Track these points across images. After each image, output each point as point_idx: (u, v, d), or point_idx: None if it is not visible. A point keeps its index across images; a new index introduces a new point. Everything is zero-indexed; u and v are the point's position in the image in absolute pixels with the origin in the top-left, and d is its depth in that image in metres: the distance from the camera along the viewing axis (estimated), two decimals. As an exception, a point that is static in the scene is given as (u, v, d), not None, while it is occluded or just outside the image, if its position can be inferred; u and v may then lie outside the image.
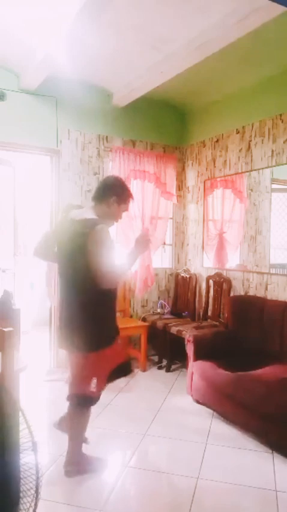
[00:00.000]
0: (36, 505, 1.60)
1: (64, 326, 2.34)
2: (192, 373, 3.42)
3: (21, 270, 5.61)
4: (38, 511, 1.65)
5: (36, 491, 1.59)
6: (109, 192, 2.36)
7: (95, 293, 2.20)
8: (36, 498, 1.60)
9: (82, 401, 2.33)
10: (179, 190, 4.95)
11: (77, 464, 2.41)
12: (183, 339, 3.73)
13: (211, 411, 3.25)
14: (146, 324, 4.36)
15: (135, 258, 2.35)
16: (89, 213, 2.32)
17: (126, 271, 2.33)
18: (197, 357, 3.41)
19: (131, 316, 4.62)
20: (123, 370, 2.42)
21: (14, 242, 5.14)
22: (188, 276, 4.71)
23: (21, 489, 1.67)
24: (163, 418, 3.21)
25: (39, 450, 1.58)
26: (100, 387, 2.34)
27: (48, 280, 4.16)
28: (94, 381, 2.28)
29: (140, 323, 4.38)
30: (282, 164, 3.70)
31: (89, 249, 2.13)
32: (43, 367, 4.19)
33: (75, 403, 2.35)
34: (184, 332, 3.92)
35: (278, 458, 2.60)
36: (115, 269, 2.19)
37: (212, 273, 4.43)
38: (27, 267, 5.85)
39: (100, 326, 2.27)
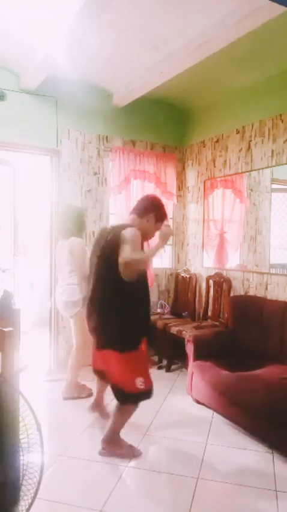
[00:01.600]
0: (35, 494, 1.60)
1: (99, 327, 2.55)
2: (192, 373, 3.42)
3: (21, 270, 5.61)
4: (38, 511, 1.66)
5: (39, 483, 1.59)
6: (150, 209, 2.62)
7: (124, 293, 2.42)
8: (37, 489, 1.60)
9: (128, 398, 2.52)
10: (179, 190, 4.95)
11: (114, 446, 2.60)
12: (183, 339, 3.73)
13: (211, 411, 3.25)
14: (146, 324, 4.35)
15: (158, 249, 2.53)
16: (127, 223, 2.59)
17: (147, 259, 2.51)
18: (197, 357, 3.41)
19: (131, 316, 4.61)
20: (146, 394, 2.56)
21: (14, 242, 5.14)
22: (188, 276, 4.71)
23: (21, 488, 1.67)
24: (162, 418, 3.21)
25: (36, 451, 1.58)
26: (148, 382, 2.53)
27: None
28: (140, 378, 2.48)
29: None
30: (282, 164, 3.70)
31: (119, 245, 2.36)
32: (43, 367, 4.19)
33: (122, 400, 2.55)
34: (184, 332, 3.92)
35: (278, 458, 2.61)
36: (137, 256, 2.35)
37: (212, 273, 4.43)
38: (27, 267, 5.86)
39: (129, 327, 2.46)
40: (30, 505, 1.63)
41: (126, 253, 2.31)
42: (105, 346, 2.54)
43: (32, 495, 1.62)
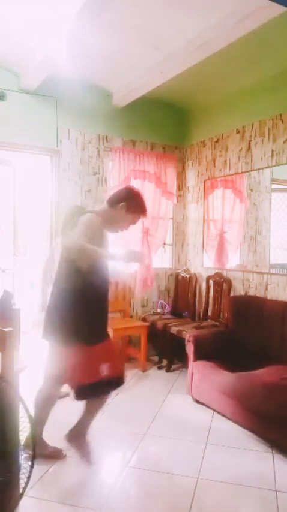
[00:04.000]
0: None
1: (54, 319, 2.40)
2: (192, 373, 3.42)
3: (21, 270, 5.61)
4: (38, 511, 1.66)
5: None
6: (121, 198, 2.44)
7: (83, 286, 2.27)
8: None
9: (95, 389, 2.34)
10: (179, 190, 4.95)
11: (80, 442, 2.47)
12: (183, 339, 3.73)
13: (211, 411, 3.25)
14: (146, 324, 4.36)
15: (114, 257, 2.31)
16: (92, 208, 2.47)
17: (96, 254, 2.20)
18: (197, 357, 3.41)
19: (131, 316, 4.61)
20: (116, 383, 2.44)
21: (13, 242, 5.13)
22: (188, 276, 4.71)
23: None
24: (163, 418, 3.21)
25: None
26: (115, 370, 2.38)
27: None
28: (105, 365, 2.33)
29: (140, 323, 4.38)
30: (282, 164, 3.70)
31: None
32: (43, 367, 4.18)
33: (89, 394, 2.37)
34: (184, 332, 3.92)
35: (278, 458, 2.60)
36: (85, 245, 2.15)
37: (212, 273, 4.43)
38: (27, 267, 5.85)
39: (90, 321, 2.32)
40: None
41: (73, 238, 2.19)
42: (68, 342, 2.33)
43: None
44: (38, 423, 2.48)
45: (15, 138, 3.99)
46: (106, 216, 2.38)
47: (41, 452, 2.42)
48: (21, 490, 1.64)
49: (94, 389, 2.33)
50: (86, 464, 2.45)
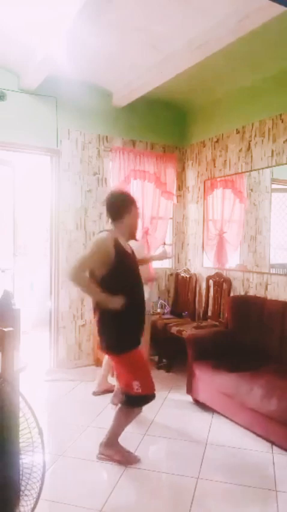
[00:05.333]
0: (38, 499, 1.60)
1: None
2: (192, 373, 3.42)
3: (21, 270, 5.61)
4: (38, 511, 1.66)
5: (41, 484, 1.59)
6: (120, 209, 2.53)
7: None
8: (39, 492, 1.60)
9: (129, 400, 2.51)
10: (179, 190, 4.95)
11: (113, 451, 2.56)
12: (183, 339, 3.73)
13: (211, 411, 3.25)
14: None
15: (101, 298, 2.40)
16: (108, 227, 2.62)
17: (86, 291, 2.46)
18: (197, 356, 3.41)
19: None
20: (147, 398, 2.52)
21: (13, 242, 5.14)
22: (188, 276, 4.71)
23: (22, 488, 1.67)
24: (162, 418, 3.21)
25: (36, 451, 1.58)
26: (146, 387, 2.47)
27: None
28: (136, 382, 2.43)
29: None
30: (282, 164, 3.70)
31: None
32: (43, 367, 4.19)
33: (123, 402, 2.56)
34: (184, 332, 3.92)
35: (278, 458, 2.61)
36: (83, 275, 2.34)
37: (212, 273, 4.43)
38: (27, 267, 5.85)
39: (117, 331, 2.43)
40: (34, 507, 1.63)
41: (76, 260, 2.41)
42: (103, 350, 2.58)
43: (35, 497, 1.62)
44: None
45: (15, 138, 3.99)
46: (121, 231, 2.51)
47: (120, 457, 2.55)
48: (36, 494, 1.63)
49: (128, 400, 2.51)
50: (133, 464, 2.53)
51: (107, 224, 2.67)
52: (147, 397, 2.50)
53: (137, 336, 2.50)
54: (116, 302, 2.35)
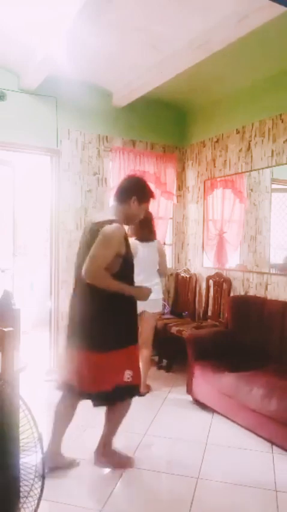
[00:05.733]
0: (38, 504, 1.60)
1: (76, 325, 2.37)
2: (192, 373, 3.42)
3: (22, 270, 5.61)
4: (38, 511, 1.65)
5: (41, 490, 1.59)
6: (130, 192, 2.40)
7: (102, 295, 2.24)
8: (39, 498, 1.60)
9: (120, 393, 2.33)
10: (179, 190, 4.95)
11: (110, 457, 2.49)
12: (183, 339, 3.73)
13: (211, 411, 3.25)
14: (146, 324, 4.35)
15: (125, 290, 2.29)
16: (108, 214, 2.38)
17: (109, 287, 2.23)
18: (197, 357, 3.41)
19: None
20: (132, 391, 2.40)
21: (13, 242, 5.14)
22: (188, 276, 4.71)
23: (22, 489, 1.67)
24: (163, 418, 3.21)
25: (35, 451, 1.58)
26: (136, 377, 2.37)
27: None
28: (128, 371, 2.31)
29: (140, 323, 4.38)
30: (282, 164, 3.70)
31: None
32: (43, 367, 4.19)
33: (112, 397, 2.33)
34: (184, 332, 3.92)
35: (278, 458, 2.61)
36: (104, 273, 2.18)
37: (212, 273, 4.43)
38: (27, 267, 5.86)
39: (108, 327, 2.28)
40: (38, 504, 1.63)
41: (92, 258, 2.16)
42: (90, 348, 2.29)
43: (37, 499, 1.61)
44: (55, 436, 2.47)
45: (15, 138, 3.99)
46: (122, 216, 2.38)
47: (56, 464, 2.41)
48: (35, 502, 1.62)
49: (105, 397, 2.31)
50: (130, 467, 2.47)
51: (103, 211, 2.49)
52: (136, 387, 2.40)
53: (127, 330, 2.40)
54: (146, 293, 2.34)
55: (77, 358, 2.32)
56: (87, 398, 2.36)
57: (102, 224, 2.25)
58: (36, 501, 1.62)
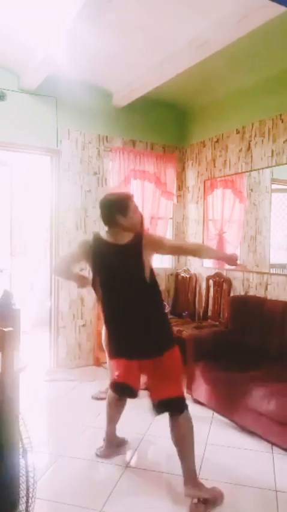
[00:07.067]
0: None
1: (137, 336, 2.30)
2: (192, 373, 3.42)
3: (21, 270, 5.62)
4: (38, 511, 1.65)
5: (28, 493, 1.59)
6: (112, 215, 2.30)
7: (152, 297, 2.35)
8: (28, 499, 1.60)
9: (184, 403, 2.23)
10: (179, 190, 4.95)
11: (199, 488, 2.21)
12: (183, 339, 3.73)
13: (210, 411, 3.25)
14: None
15: (218, 256, 3.01)
16: (121, 235, 2.30)
17: (213, 253, 2.88)
18: (197, 357, 3.41)
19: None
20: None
21: (10, 242, 5.14)
22: (188, 276, 4.71)
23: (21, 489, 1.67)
24: (162, 418, 3.19)
25: (35, 451, 1.58)
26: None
27: None
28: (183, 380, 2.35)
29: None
30: (282, 164, 3.70)
31: (149, 250, 2.30)
32: (43, 367, 4.19)
33: (182, 407, 2.22)
34: (183, 332, 3.92)
35: (278, 458, 2.60)
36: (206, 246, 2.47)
37: (212, 273, 4.43)
38: (27, 267, 5.86)
39: (167, 323, 2.42)
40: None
41: (182, 241, 2.38)
42: (157, 352, 2.25)
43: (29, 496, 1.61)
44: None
45: (15, 138, 3.99)
46: (130, 228, 2.32)
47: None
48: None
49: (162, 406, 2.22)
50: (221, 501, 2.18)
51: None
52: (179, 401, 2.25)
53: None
54: (235, 258, 2.54)
55: (159, 363, 2.24)
56: (162, 408, 2.24)
57: (133, 240, 2.26)
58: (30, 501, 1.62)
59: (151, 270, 2.35)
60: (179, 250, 2.87)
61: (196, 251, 2.57)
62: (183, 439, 2.21)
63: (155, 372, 2.26)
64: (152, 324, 2.29)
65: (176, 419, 2.20)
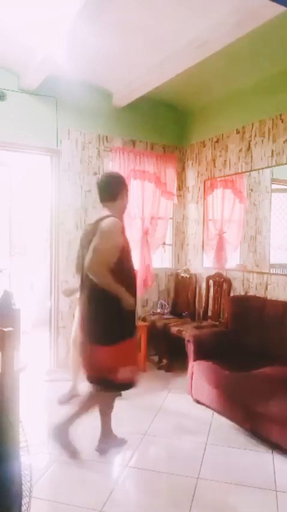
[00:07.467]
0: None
1: (84, 320, 2.51)
2: (192, 373, 3.42)
3: (21, 270, 5.62)
4: (38, 511, 1.65)
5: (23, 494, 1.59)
6: (119, 188, 2.56)
7: (100, 289, 2.34)
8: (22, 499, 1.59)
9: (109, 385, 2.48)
10: (179, 190, 4.95)
11: (108, 442, 2.68)
12: (183, 339, 3.73)
13: (211, 411, 3.25)
14: (146, 324, 4.36)
15: (122, 296, 2.39)
16: (103, 213, 2.52)
17: (109, 286, 2.34)
18: (197, 357, 3.41)
19: (131, 316, 4.61)
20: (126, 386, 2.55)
21: (9, 242, 5.14)
22: (188, 276, 4.71)
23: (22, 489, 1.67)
24: (162, 418, 3.21)
25: (35, 451, 1.58)
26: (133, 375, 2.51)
27: None
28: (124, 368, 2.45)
29: (140, 323, 4.37)
30: (282, 164, 3.70)
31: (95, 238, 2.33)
32: (43, 367, 4.19)
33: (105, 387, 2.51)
34: (184, 332, 3.92)
35: (278, 458, 2.60)
36: (106, 271, 2.30)
37: (212, 273, 4.43)
38: (27, 267, 5.86)
39: (111, 321, 2.40)
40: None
41: (95, 253, 2.28)
42: (94, 342, 2.43)
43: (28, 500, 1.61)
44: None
45: (16, 138, 3.99)
46: (117, 211, 2.53)
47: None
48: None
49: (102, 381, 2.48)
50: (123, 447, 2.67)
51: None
52: (129, 384, 2.53)
53: (131, 324, 2.55)
54: (131, 302, 2.42)
55: (89, 350, 2.47)
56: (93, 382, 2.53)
57: (99, 221, 2.42)
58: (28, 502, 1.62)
59: (120, 257, 2.37)
60: (91, 259, 2.36)
61: (94, 275, 2.34)
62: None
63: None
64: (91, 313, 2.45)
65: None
